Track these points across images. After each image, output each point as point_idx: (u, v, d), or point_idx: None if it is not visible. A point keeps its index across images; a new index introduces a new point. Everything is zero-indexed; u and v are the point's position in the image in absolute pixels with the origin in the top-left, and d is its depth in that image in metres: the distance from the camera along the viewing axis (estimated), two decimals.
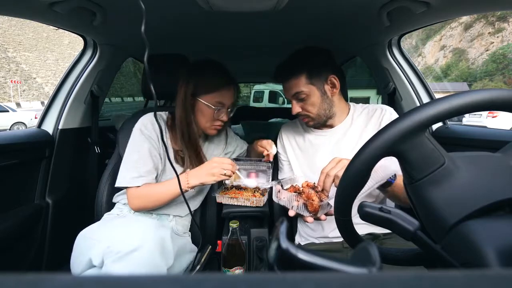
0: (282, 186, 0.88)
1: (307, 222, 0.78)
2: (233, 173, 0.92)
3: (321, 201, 0.76)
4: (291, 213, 0.79)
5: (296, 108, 0.96)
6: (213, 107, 0.93)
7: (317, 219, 0.78)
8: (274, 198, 0.85)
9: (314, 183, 0.85)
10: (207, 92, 0.93)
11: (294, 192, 0.81)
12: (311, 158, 1.01)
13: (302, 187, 0.84)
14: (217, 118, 0.97)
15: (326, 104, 0.94)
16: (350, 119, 1.00)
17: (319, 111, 0.95)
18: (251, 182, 1.06)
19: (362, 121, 0.98)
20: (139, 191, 0.90)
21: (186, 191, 0.88)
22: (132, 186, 0.89)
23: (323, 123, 0.99)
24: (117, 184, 0.91)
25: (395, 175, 0.76)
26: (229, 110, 1.00)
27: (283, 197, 0.82)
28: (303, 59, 0.93)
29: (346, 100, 1.19)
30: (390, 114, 0.95)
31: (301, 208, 0.78)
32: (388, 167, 0.67)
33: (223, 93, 0.95)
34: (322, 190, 0.81)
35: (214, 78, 0.94)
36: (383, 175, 0.69)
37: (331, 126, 1.01)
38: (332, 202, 0.71)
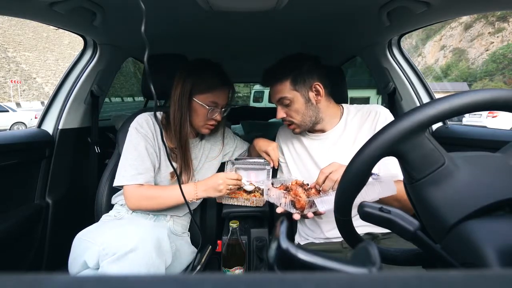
0: (273, 184, 0.90)
1: (295, 218, 0.79)
2: (240, 187, 0.97)
3: (309, 198, 0.77)
4: (279, 210, 0.82)
5: (281, 114, 0.97)
6: (207, 107, 0.95)
7: (304, 216, 0.79)
8: (265, 196, 0.87)
9: (303, 181, 0.88)
10: (202, 92, 0.94)
11: (284, 190, 0.83)
12: (306, 161, 1.02)
13: (291, 184, 0.85)
14: (210, 118, 0.98)
15: (311, 111, 0.95)
16: (344, 123, 0.99)
17: (304, 118, 0.95)
18: (249, 187, 1.06)
19: (356, 124, 0.97)
20: (141, 190, 0.90)
21: (192, 201, 0.92)
22: (131, 184, 0.89)
23: (309, 129, 1.00)
24: (116, 183, 0.91)
25: None
26: (222, 110, 1.01)
27: (272, 194, 0.83)
28: (289, 65, 0.93)
29: (346, 101, 1.19)
30: (385, 118, 0.93)
31: (288, 205, 0.79)
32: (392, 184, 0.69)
33: (217, 94, 0.96)
34: (310, 188, 0.83)
35: (209, 79, 0.95)
36: (389, 190, 0.70)
37: (323, 131, 1.01)
38: (327, 198, 0.72)
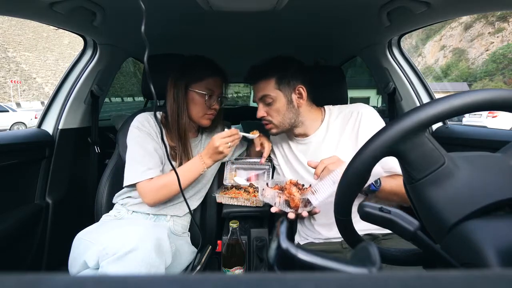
0: (267, 184, 0.90)
1: (290, 218, 0.80)
2: (238, 140, 0.95)
3: (302, 196, 0.78)
4: (273, 209, 0.82)
5: (261, 112, 0.97)
6: (204, 93, 0.97)
7: (299, 216, 0.80)
8: (260, 196, 0.87)
9: (297, 181, 0.88)
10: (196, 81, 0.97)
11: (278, 190, 0.84)
12: (295, 164, 1.02)
13: (285, 184, 0.86)
14: (209, 106, 1.00)
15: (292, 113, 0.95)
16: (326, 126, 0.99)
17: (283, 119, 0.95)
18: (242, 180, 1.07)
19: (338, 127, 0.97)
20: (154, 182, 0.90)
21: (205, 170, 0.93)
22: (142, 180, 0.90)
23: (287, 131, 1.01)
24: (128, 182, 0.91)
25: (380, 183, 0.78)
26: (219, 99, 1.03)
27: (267, 194, 0.84)
28: (276, 65, 0.94)
29: (346, 101, 1.19)
30: (367, 118, 0.92)
31: (283, 204, 0.80)
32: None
33: (211, 82, 0.99)
34: (304, 187, 0.84)
35: (202, 69, 0.99)
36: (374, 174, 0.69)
37: (306, 135, 1.00)
38: (319, 194, 0.73)
